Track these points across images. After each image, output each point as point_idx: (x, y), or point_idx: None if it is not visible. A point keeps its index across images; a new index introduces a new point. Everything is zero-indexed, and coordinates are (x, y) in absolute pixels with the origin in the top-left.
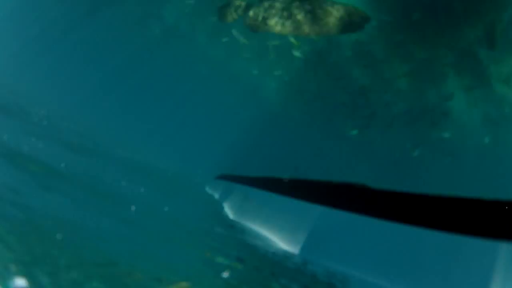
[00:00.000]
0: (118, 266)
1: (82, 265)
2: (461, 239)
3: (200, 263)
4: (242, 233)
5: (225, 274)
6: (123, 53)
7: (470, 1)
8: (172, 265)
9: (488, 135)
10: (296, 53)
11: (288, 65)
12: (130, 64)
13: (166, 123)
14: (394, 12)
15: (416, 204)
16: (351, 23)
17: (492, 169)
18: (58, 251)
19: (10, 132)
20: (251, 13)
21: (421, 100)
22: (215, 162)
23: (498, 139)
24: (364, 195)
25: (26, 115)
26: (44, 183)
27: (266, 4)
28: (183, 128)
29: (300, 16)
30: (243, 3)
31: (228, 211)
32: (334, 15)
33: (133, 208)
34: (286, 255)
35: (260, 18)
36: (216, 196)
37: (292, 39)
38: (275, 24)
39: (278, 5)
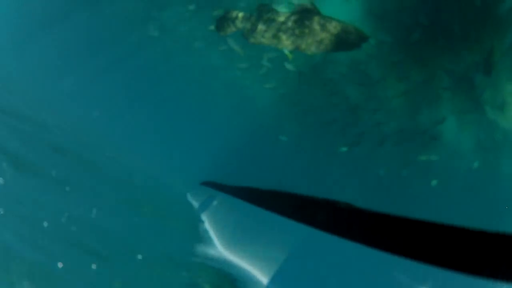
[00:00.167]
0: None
1: None
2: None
3: None
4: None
5: None
6: (116, 52)
7: (470, 26)
8: None
9: (478, 160)
10: (290, 67)
11: (282, 78)
12: (122, 63)
13: (155, 126)
14: (393, 32)
15: (400, 230)
16: (349, 41)
17: (479, 194)
18: None
19: None
20: (248, 25)
21: (413, 121)
22: (200, 170)
23: (487, 164)
24: (347, 215)
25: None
26: None
27: (265, 16)
28: (172, 133)
29: (297, 31)
30: (241, 14)
31: (207, 226)
32: (332, 32)
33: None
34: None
35: (257, 30)
36: (196, 206)
37: (287, 52)
38: (272, 37)
39: (276, 18)
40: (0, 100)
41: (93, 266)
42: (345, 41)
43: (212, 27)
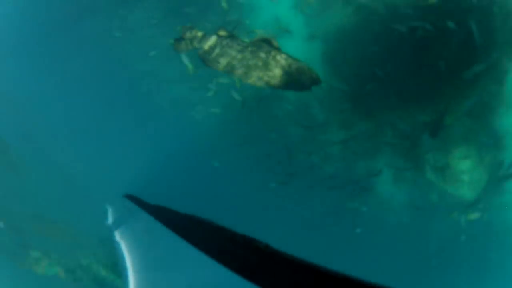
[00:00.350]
0: None
1: None
2: None
3: None
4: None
5: None
6: (71, 44)
7: (428, 86)
8: None
9: (407, 216)
10: (236, 96)
11: (227, 104)
12: (74, 58)
13: (92, 128)
14: (348, 80)
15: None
16: (300, 81)
17: (402, 249)
18: None
19: None
20: (206, 46)
21: (349, 169)
22: (127, 182)
23: (416, 222)
24: (260, 259)
25: None
26: None
27: (224, 41)
28: (106, 138)
29: (252, 62)
30: (200, 34)
31: (119, 239)
32: (286, 69)
33: None
34: None
35: (213, 53)
36: (112, 218)
37: (236, 80)
38: (226, 63)
39: (235, 45)
40: None
41: None
42: (297, 81)
43: (171, 40)
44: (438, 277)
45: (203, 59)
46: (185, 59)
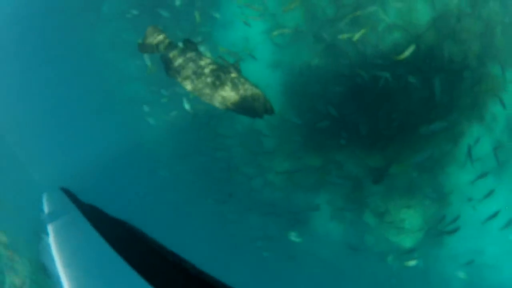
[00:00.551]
0: None
1: None
2: None
3: None
4: None
5: None
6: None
7: (381, 134)
8: None
9: (341, 254)
10: (188, 107)
11: (179, 115)
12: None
13: (43, 118)
14: (302, 115)
15: None
16: (253, 108)
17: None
18: None
19: None
20: (171, 54)
21: (287, 199)
22: (68, 175)
23: (349, 261)
24: (186, 278)
25: None
26: None
27: (188, 54)
28: (54, 130)
29: (209, 80)
30: (167, 41)
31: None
32: (241, 94)
33: None
34: None
35: (175, 63)
36: (46, 211)
37: (191, 93)
38: (185, 77)
39: (197, 60)
40: None
41: None
42: (250, 107)
43: (140, 40)
44: None
45: (166, 67)
46: (147, 59)
